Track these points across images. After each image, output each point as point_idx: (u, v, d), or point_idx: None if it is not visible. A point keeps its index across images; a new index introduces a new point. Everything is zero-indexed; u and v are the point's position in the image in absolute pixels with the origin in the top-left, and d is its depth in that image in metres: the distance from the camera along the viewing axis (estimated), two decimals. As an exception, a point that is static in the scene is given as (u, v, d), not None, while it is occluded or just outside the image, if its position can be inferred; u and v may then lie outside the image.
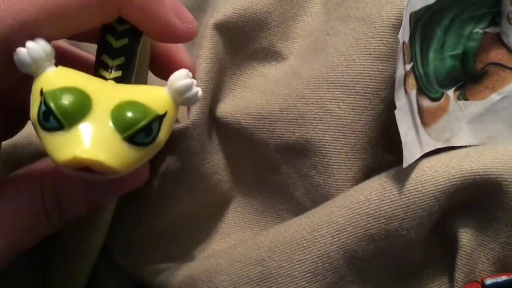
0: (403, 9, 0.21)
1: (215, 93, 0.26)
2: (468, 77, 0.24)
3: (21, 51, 0.17)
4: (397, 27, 0.22)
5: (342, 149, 0.23)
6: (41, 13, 0.18)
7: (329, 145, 0.24)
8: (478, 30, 0.23)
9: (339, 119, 0.23)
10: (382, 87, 0.23)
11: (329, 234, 0.22)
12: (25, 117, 0.22)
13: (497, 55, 0.23)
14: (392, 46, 0.23)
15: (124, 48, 0.19)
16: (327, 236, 0.22)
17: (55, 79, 0.18)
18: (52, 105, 0.17)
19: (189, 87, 0.18)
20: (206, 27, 0.25)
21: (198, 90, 0.19)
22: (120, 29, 0.19)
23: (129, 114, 0.17)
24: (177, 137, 0.24)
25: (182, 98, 0.18)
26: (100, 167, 0.17)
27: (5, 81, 0.19)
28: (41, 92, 0.17)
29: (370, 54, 0.23)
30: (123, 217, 0.26)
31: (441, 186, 0.21)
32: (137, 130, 0.17)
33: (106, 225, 0.26)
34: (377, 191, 0.22)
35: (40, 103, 0.17)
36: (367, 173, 0.24)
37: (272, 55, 0.27)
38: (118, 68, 0.19)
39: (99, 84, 0.18)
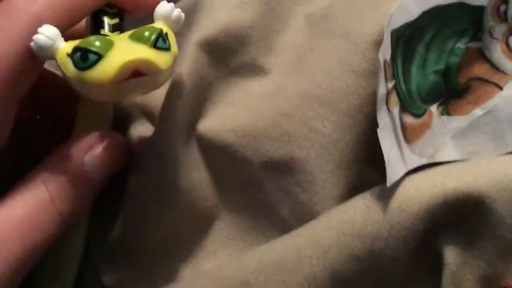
0: (385, 26, 0.21)
1: (197, 109, 0.26)
2: (451, 92, 0.23)
3: (39, 37, 0.20)
4: (379, 43, 0.22)
5: (326, 167, 0.23)
6: (53, 7, 0.21)
7: (313, 163, 0.23)
8: (460, 45, 0.23)
9: (324, 136, 0.23)
10: (366, 103, 0.23)
11: (314, 255, 0.21)
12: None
13: (479, 69, 0.23)
14: (374, 63, 0.22)
15: (117, 25, 0.23)
16: (312, 257, 0.22)
17: (74, 42, 0.21)
18: (86, 45, 0.20)
19: (171, 11, 0.22)
20: (188, 44, 0.25)
21: (179, 10, 0.23)
22: (112, 12, 0.23)
23: (142, 31, 0.21)
24: (146, 151, 0.24)
25: (169, 22, 0.22)
26: (149, 66, 0.20)
27: (29, 78, 0.22)
28: (68, 55, 0.21)
29: (353, 71, 0.23)
30: (103, 236, 0.25)
31: (425, 204, 0.21)
32: (157, 36, 0.21)
33: (79, 252, 0.26)
34: (361, 210, 0.21)
35: (72, 55, 0.20)
36: (352, 190, 0.23)
37: (255, 70, 0.26)
38: None
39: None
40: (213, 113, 0.26)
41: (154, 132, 0.25)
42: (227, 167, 0.26)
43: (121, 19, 0.24)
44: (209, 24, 0.25)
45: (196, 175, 0.26)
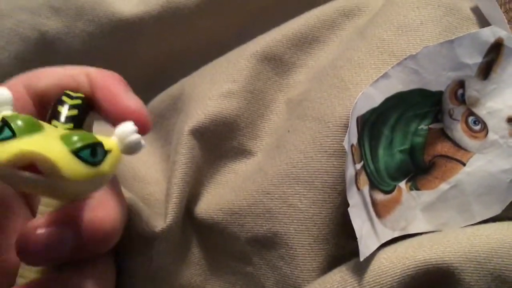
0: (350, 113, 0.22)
1: (192, 194, 0.27)
2: (417, 169, 0.24)
3: None
4: (348, 126, 0.24)
5: (305, 241, 0.24)
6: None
7: (293, 238, 0.24)
8: (423, 126, 0.24)
9: (301, 212, 0.24)
10: (339, 181, 0.24)
11: (295, 327, 0.22)
12: None
13: (443, 148, 0.24)
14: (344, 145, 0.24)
15: (72, 118, 0.20)
16: (293, 330, 0.22)
17: (14, 113, 0.18)
18: (8, 118, 0.17)
19: (131, 132, 0.19)
20: (181, 134, 0.26)
21: (138, 137, 0.19)
22: (73, 103, 0.21)
23: (79, 135, 0.18)
24: (152, 240, 0.24)
25: (125, 143, 0.19)
26: (46, 164, 0.17)
27: None
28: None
29: (326, 151, 0.24)
30: None
31: (397, 277, 0.21)
32: (83, 145, 0.17)
33: None
34: (338, 283, 0.22)
35: None
36: (331, 262, 0.24)
37: (242, 153, 0.28)
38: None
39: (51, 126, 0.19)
40: (204, 194, 0.27)
41: (167, 223, 0.24)
42: (217, 243, 0.26)
43: (81, 112, 0.21)
44: (200, 114, 0.27)
45: (189, 253, 0.26)
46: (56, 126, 0.20)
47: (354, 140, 0.22)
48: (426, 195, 0.24)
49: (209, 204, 0.26)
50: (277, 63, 0.28)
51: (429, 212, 0.24)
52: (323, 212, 0.24)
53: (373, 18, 0.27)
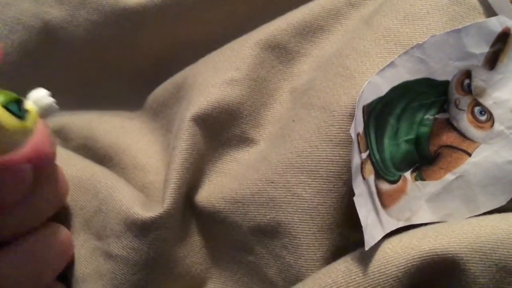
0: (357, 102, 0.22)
1: (193, 181, 0.26)
2: (423, 160, 0.24)
3: None
4: (354, 115, 0.23)
5: (310, 231, 0.23)
6: None
7: (297, 227, 0.24)
8: (429, 116, 0.24)
9: (306, 202, 0.23)
10: (344, 170, 0.23)
11: (299, 317, 0.21)
12: None
13: (448, 138, 0.24)
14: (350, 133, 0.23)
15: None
16: (297, 319, 0.21)
17: None
18: None
19: (45, 96, 0.22)
20: (183, 120, 0.26)
21: (53, 103, 0.22)
22: None
23: (3, 93, 0.20)
24: (150, 226, 0.24)
25: (40, 109, 0.21)
26: None
27: None
28: None
29: (331, 140, 0.23)
30: None
31: (402, 266, 0.20)
32: (12, 99, 0.19)
33: None
34: (343, 273, 0.21)
35: None
36: (335, 252, 0.23)
37: (244, 141, 0.27)
38: None
39: None
40: (205, 182, 0.27)
41: (165, 208, 0.24)
42: (219, 232, 0.26)
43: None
44: (202, 101, 0.26)
45: (190, 241, 0.26)
46: None
47: (360, 129, 0.22)
48: (431, 186, 0.24)
49: (211, 193, 0.26)
50: (281, 52, 0.28)
51: (434, 203, 0.24)
52: (327, 201, 0.23)
53: (379, 7, 0.26)
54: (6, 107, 0.19)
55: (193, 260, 0.26)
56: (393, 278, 0.20)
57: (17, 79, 0.32)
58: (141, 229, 0.23)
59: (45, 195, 0.23)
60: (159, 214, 0.23)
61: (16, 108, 0.20)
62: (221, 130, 0.27)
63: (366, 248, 0.20)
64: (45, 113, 0.22)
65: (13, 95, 0.20)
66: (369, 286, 0.21)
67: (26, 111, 0.20)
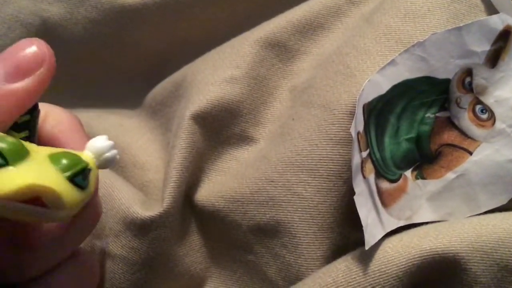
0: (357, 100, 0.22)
1: (192, 180, 0.26)
2: (423, 158, 0.24)
3: None
4: (354, 113, 0.23)
5: (310, 230, 0.23)
6: None
7: (297, 226, 0.23)
8: (430, 115, 0.24)
9: (306, 201, 0.23)
10: (344, 169, 0.23)
11: (298, 316, 0.21)
12: None
13: (449, 136, 0.24)
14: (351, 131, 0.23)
15: (27, 123, 0.19)
16: (297, 319, 0.21)
17: None
18: None
19: (108, 149, 0.19)
20: (183, 119, 0.26)
21: (116, 153, 0.19)
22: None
23: (67, 158, 0.17)
24: (149, 225, 0.23)
25: (101, 159, 0.18)
26: (52, 197, 0.16)
27: None
28: None
29: (331, 139, 0.23)
30: None
31: (403, 266, 0.20)
32: (78, 171, 0.17)
33: None
34: (343, 273, 0.21)
35: None
36: (335, 251, 0.23)
37: (244, 140, 0.27)
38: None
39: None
40: (205, 181, 0.27)
41: (164, 207, 0.24)
42: (218, 231, 0.26)
43: (33, 116, 0.19)
44: (202, 99, 0.26)
45: (189, 240, 0.26)
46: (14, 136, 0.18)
47: (360, 128, 0.22)
48: (432, 185, 0.24)
49: (210, 191, 0.26)
50: (281, 50, 0.28)
51: (435, 202, 0.23)
52: (328, 200, 0.23)
53: (379, 5, 0.26)
54: (72, 180, 0.17)
55: (192, 259, 0.26)
56: (394, 277, 0.20)
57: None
58: (141, 228, 0.23)
59: (81, 225, 0.20)
60: (158, 213, 0.23)
61: (82, 180, 0.17)
62: (221, 128, 0.27)
63: (367, 248, 0.20)
64: (105, 166, 0.19)
65: (80, 162, 0.17)
66: (369, 285, 0.21)
67: (88, 176, 0.18)
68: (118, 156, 0.19)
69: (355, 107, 0.23)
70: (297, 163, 0.24)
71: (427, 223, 0.23)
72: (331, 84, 0.25)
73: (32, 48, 0.19)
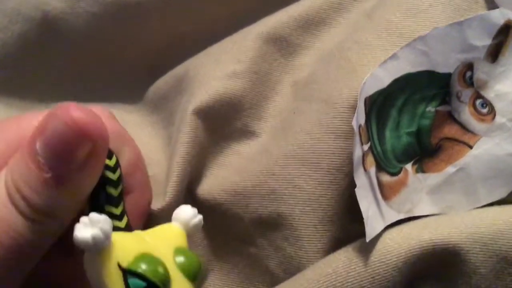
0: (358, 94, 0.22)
1: (194, 174, 0.27)
2: (424, 152, 0.24)
3: (96, 232, 0.16)
4: (355, 107, 0.23)
5: (310, 222, 0.24)
6: None
7: (298, 219, 0.24)
8: (430, 109, 0.24)
9: (307, 194, 0.24)
10: (346, 163, 0.24)
11: (299, 307, 0.22)
12: None
13: (450, 130, 0.24)
14: (352, 125, 0.23)
15: (121, 196, 0.20)
16: (297, 309, 0.22)
17: (130, 252, 0.17)
18: (150, 275, 0.17)
19: (192, 217, 0.20)
20: (185, 113, 0.26)
21: (200, 218, 0.21)
22: (113, 177, 0.20)
23: (191, 266, 0.19)
24: (152, 219, 0.24)
25: (189, 228, 0.20)
26: None
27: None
28: (120, 267, 0.17)
29: (332, 133, 0.24)
30: None
31: (403, 257, 0.21)
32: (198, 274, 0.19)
33: None
34: (343, 263, 0.22)
35: (127, 273, 0.17)
36: (336, 244, 0.24)
37: (246, 134, 0.28)
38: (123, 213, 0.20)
39: (142, 240, 0.19)
40: (207, 175, 0.27)
41: (166, 201, 0.25)
42: (220, 224, 0.26)
43: (120, 180, 0.20)
44: (204, 94, 0.26)
45: None
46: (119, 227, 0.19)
47: (362, 121, 0.22)
48: (432, 178, 0.24)
49: (212, 185, 0.26)
50: (283, 45, 0.28)
51: (435, 195, 0.24)
52: (329, 193, 0.24)
53: (381, 0, 0.27)
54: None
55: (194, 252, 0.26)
56: (393, 268, 0.21)
57: (16, 71, 0.32)
58: (144, 224, 0.24)
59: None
60: (161, 208, 0.24)
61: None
62: (223, 123, 0.27)
63: (368, 240, 0.21)
64: (193, 232, 0.21)
65: (198, 263, 0.19)
66: (369, 275, 0.21)
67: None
68: (202, 221, 0.21)
69: (356, 101, 0.23)
70: (299, 157, 0.24)
71: (427, 216, 0.23)
72: (332, 78, 0.25)
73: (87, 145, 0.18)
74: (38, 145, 0.18)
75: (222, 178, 0.26)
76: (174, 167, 0.25)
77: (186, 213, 0.20)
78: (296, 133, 0.25)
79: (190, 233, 0.20)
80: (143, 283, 0.17)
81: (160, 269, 0.17)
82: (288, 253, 0.24)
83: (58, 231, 0.19)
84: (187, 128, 0.26)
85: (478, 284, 0.21)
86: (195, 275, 0.19)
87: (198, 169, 0.27)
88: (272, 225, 0.25)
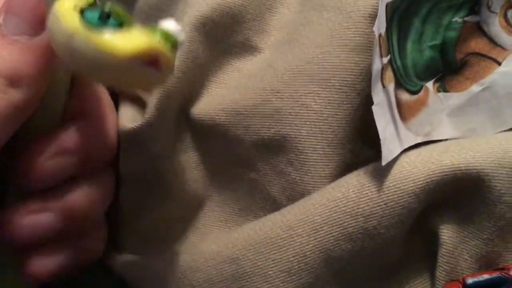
0: None
1: (189, 93, 0.24)
2: (447, 68, 0.22)
3: None
4: (373, 17, 0.21)
5: (318, 145, 0.22)
6: None
7: (305, 141, 0.22)
8: (457, 19, 0.22)
9: (315, 113, 0.22)
10: (359, 80, 0.21)
11: (305, 232, 0.20)
12: None
13: (477, 44, 0.22)
14: (368, 37, 0.21)
15: None
16: (303, 235, 0.20)
17: None
18: (107, 7, 0.17)
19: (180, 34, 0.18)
20: (181, 23, 0.24)
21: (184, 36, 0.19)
22: None
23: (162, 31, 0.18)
24: (134, 137, 0.22)
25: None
26: (167, 60, 0.17)
27: None
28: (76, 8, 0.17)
29: (346, 45, 0.21)
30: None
31: (421, 182, 0.19)
32: (177, 42, 0.18)
33: None
34: (355, 188, 0.20)
35: (84, 11, 0.17)
36: (345, 170, 0.22)
37: (247, 49, 0.25)
38: None
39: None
40: (204, 94, 0.25)
41: (146, 118, 0.23)
42: (218, 147, 0.24)
43: None
44: (201, 3, 0.24)
45: (186, 156, 0.25)
46: None
47: (382, 30, 0.20)
48: (454, 98, 0.22)
49: (210, 104, 0.24)
50: None
51: (456, 117, 0.22)
52: (339, 113, 0.22)
53: None
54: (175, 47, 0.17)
55: (189, 177, 0.24)
56: (410, 194, 0.19)
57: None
58: (126, 140, 0.23)
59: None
60: (140, 124, 0.22)
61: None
62: (222, 36, 0.24)
63: (384, 163, 0.19)
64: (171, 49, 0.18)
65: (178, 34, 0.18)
66: (382, 202, 0.20)
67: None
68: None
69: (374, 9, 0.21)
70: (307, 72, 0.22)
71: (446, 140, 0.21)
72: (347, -16, 0.22)
73: None
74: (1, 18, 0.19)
75: (220, 96, 0.24)
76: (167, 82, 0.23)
77: (169, 24, 0.18)
78: (304, 46, 0.22)
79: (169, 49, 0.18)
80: (97, 13, 0.17)
81: (120, 9, 0.17)
82: (292, 178, 0.22)
83: (27, 103, 0.19)
84: None
85: (503, 213, 0.19)
86: (166, 37, 0.17)
87: (193, 87, 0.25)
88: (275, 148, 0.23)
